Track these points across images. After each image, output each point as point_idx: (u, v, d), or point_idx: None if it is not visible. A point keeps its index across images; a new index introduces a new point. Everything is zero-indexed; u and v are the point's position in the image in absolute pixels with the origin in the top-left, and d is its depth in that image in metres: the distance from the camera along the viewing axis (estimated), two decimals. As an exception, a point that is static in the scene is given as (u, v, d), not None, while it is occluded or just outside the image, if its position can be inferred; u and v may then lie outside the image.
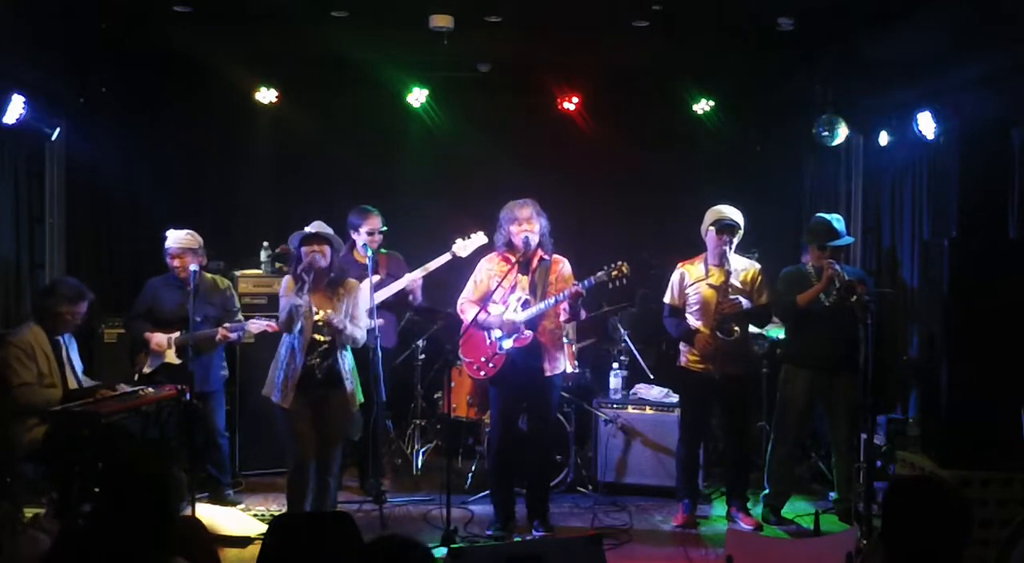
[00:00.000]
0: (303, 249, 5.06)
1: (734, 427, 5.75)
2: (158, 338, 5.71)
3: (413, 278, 5.95)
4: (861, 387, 5.26)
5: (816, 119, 6.77)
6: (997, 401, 4.81)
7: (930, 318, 5.35)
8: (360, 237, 5.96)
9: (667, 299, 5.74)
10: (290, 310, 4.98)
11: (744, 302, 5.50)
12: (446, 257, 6.00)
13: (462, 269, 5.82)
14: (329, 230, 5.16)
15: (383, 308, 5.59)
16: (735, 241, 5.54)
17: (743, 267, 5.63)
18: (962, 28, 5.31)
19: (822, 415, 5.83)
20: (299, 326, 4.99)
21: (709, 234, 5.57)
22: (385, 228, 6.01)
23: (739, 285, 5.55)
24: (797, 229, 7.47)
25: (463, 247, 5.99)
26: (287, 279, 5.16)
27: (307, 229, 5.12)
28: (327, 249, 5.08)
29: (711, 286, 5.55)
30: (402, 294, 6.00)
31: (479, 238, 6.00)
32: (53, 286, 5.42)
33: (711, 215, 5.58)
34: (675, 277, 5.69)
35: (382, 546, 2.39)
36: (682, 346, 5.70)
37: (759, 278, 5.64)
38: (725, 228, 5.49)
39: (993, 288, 4.93)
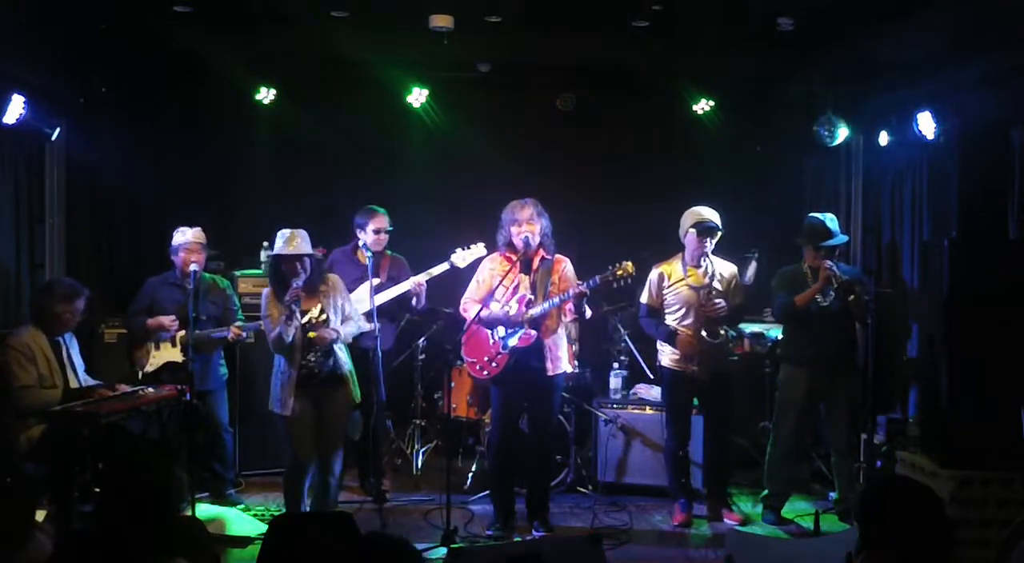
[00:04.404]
0: (282, 266, 5.04)
1: (717, 426, 5.77)
2: (161, 319, 5.71)
3: (417, 281, 5.93)
4: (861, 387, 5.26)
5: (816, 119, 6.77)
6: (997, 401, 4.81)
7: (930, 318, 5.35)
8: (367, 236, 5.92)
9: (644, 299, 5.73)
10: (280, 338, 4.98)
11: (722, 303, 5.51)
12: (444, 266, 5.97)
13: (462, 269, 5.82)
14: (303, 239, 5.06)
15: (381, 312, 5.59)
16: (714, 242, 5.54)
17: (724, 269, 5.65)
18: (962, 28, 5.31)
19: (822, 415, 5.84)
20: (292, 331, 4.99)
21: (689, 236, 5.56)
22: (391, 228, 5.99)
23: (720, 288, 5.56)
24: (797, 229, 7.44)
25: (462, 258, 5.96)
26: (267, 293, 5.13)
27: (278, 241, 5.06)
28: (306, 262, 5.05)
29: (691, 287, 5.56)
30: (403, 298, 5.98)
31: (478, 249, 5.96)
32: (48, 286, 5.41)
33: (690, 217, 5.58)
34: (653, 277, 5.69)
35: (374, 545, 2.39)
36: (662, 346, 5.71)
37: (735, 279, 5.70)
38: (706, 231, 5.50)
39: (993, 288, 4.92)
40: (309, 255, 5.08)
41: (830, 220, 5.62)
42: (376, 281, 5.67)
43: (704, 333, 5.50)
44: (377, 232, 5.92)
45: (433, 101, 7.39)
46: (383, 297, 5.77)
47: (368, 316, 5.42)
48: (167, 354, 5.77)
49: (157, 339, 5.77)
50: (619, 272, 5.13)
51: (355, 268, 5.82)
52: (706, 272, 5.58)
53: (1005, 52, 5.07)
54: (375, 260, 5.80)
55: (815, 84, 6.87)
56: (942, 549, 2.55)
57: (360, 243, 5.95)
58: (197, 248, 5.75)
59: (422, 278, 5.94)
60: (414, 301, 5.98)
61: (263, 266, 6.71)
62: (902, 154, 6.49)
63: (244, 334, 5.83)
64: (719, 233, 5.54)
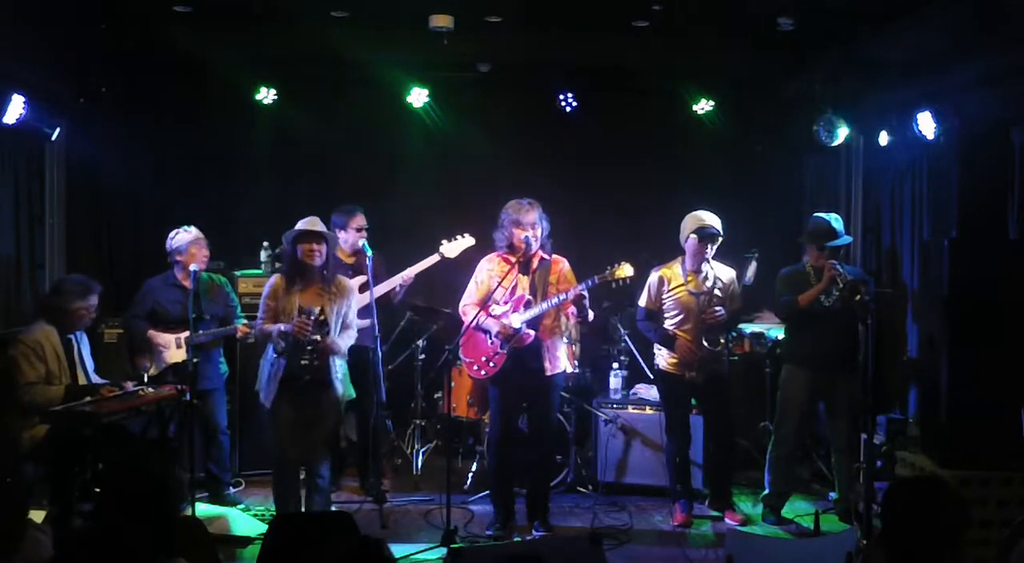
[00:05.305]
0: (299, 247, 5.06)
1: (719, 428, 5.77)
2: (164, 338, 5.71)
3: (405, 276, 5.95)
4: (861, 387, 5.26)
5: (816, 119, 6.77)
6: (997, 401, 4.81)
7: (930, 318, 5.35)
8: (349, 234, 5.93)
9: (643, 302, 5.72)
10: (267, 338, 5.05)
11: (721, 310, 5.51)
12: (434, 258, 5.99)
13: (462, 269, 5.81)
14: (322, 226, 5.17)
15: (363, 309, 5.58)
16: (715, 248, 5.54)
17: (724, 275, 5.65)
18: (962, 28, 5.31)
19: (822, 415, 5.85)
20: (281, 347, 5.03)
21: (690, 241, 5.55)
22: (368, 225, 6.02)
23: (720, 294, 5.56)
24: (797, 229, 7.46)
25: (450, 249, 5.98)
26: (274, 280, 5.16)
27: (300, 225, 5.12)
28: (323, 246, 5.08)
29: (690, 293, 5.56)
30: (384, 295, 5.99)
31: (466, 240, 5.99)
32: (60, 285, 5.39)
33: (692, 222, 5.56)
34: (652, 280, 5.68)
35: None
36: (659, 349, 5.71)
37: (733, 285, 5.70)
38: (707, 237, 5.48)
39: (993, 288, 4.93)
40: (328, 238, 5.12)
41: (835, 220, 5.61)
42: (363, 278, 5.68)
43: (705, 341, 5.50)
44: (359, 230, 5.95)
45: (433, 101, 7.39)
46: (368, 296, 5.74)
47: (366, 312, 5.42)
48: (171, 356, 5.75)
49: (160, 353, 5.75)
50: (617, 273, 5.13)
51: (341, 268, 5.80)
52: (706, 278, 5.58)
53: (1005, 52, 5.07)
54: (359, 258, 5.86)
55: (815, 84, 6.88)
56: (954, 547, 2.57)
57: (358, 243, 5.94)
58: (204, 244, 5.78)
59: (411, 272, 5.95)
60: (398, 288, 5.99)
61: (263, 266, 6.72)
62: (902, 154, 6.50)
63: (251, 331, 5.83)
64: (720, 238, 5.53)
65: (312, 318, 4.94)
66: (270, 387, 5.04)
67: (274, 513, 5.46)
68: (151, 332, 5.72)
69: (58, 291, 5.29)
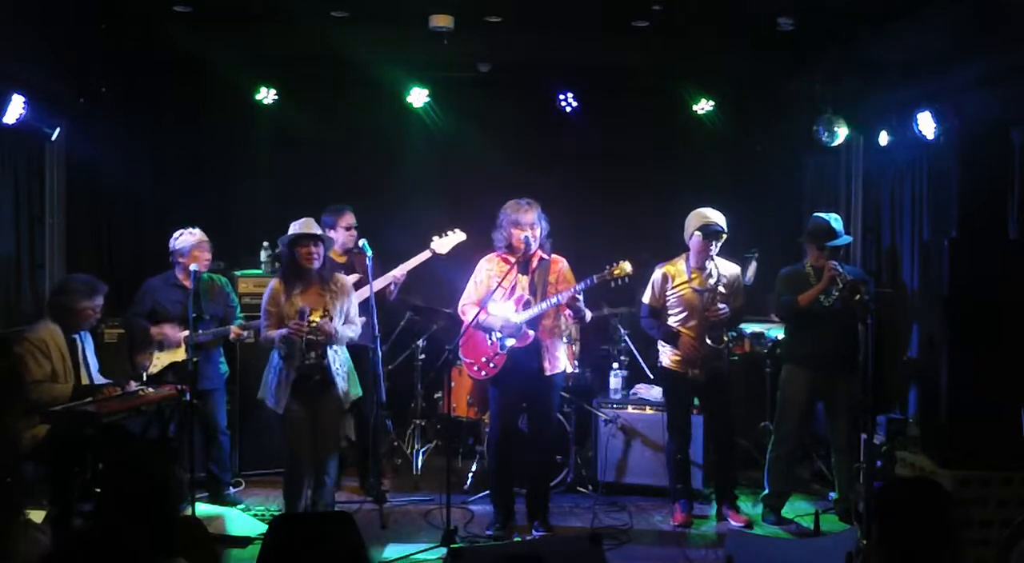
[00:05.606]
0: (297, 250, 5.06)
1: (719, 427, 5.77)
2: (167, 330, 5.70)
3: (395, 275, 5.94)
4: (861, 387, 5.26)
5: (816, 119, 6.77)
6: (997, 401, 4.81)
7: (930, 318, 5.35)
8: (339, 233, 5.94)
9: (646, 299, 5.72)
10: (269, 343, 5.10)
11: (724, 308, 5.50)
12: (425, 254, 5.99)
13: (460, 269, 5.81)
14: (317, 228, 5.17)
15: (361, 306, 5.58)
16: (719, 245, 5.54)
17: (728, 271, 5.64)
18: (962, 28, 5.31)
19: (822, 415, 5.85)
20: (285, 351, 5.05)
21: (694, 238, 5.54)
22: (357, 224, 6.03)
23: (724, 291, 5.56)
24: (797, 229, 7.46)
25: (441, 244, 5.99)
26: (273, 285, 5.16)
27: (294, 227, 5.11)
28: (320, 248, 5.09)
29: (694, 290, 5.55)
30: (379, 293, 5.99)
31: (457, 235, 6.00)
32: (66, 283, 5.38)
33: (697, 219, 5.55)
34: (656, 277, 5.68)
35: None
36: (663, 346, 5.71)
37: (738, 281, 5.70)
38: (712, 234, 5.47)
39: (993, 288, 4.93)
40: (324, 239, 5.13)
41: (835, 220, 5.61)
42: (356, 277, 5.67)
43: (708, 339, 5.50)
44: (348, 229, 5.96)
45: (433, 101, 7.39)
46: (365, 292, 5.74)
47: (364, 311, 5.42)
48: (171, 355, 5.75)
49: (162, 342, 5.75)
50: (616, 272, 5.13)
51: (334, 268, 5.80)
52: (710, 275, 5.57)
53: (1005, 52, 5.07)
54: (351, 258, 5.86)
55: (815, 84, 6.88)
56: (953, 547, 2.57)
57: (349, 242, 5.93)
58: (207, 246, 5.78)
59: (403, 269, 5.94)
60: (392, 286, 5.99)
61: (263, 266, 6.72)
62: (902, 154, 6.49)
63: (245, 334, 5.84)
64: (724, 236, 5.52)
65: (306, 318, 4.94)
66: (280, 393, 5.04)
67: (274, 513, 5.47)
68: (154, 329, 5.71)
69: (64, 290, 5.28)
